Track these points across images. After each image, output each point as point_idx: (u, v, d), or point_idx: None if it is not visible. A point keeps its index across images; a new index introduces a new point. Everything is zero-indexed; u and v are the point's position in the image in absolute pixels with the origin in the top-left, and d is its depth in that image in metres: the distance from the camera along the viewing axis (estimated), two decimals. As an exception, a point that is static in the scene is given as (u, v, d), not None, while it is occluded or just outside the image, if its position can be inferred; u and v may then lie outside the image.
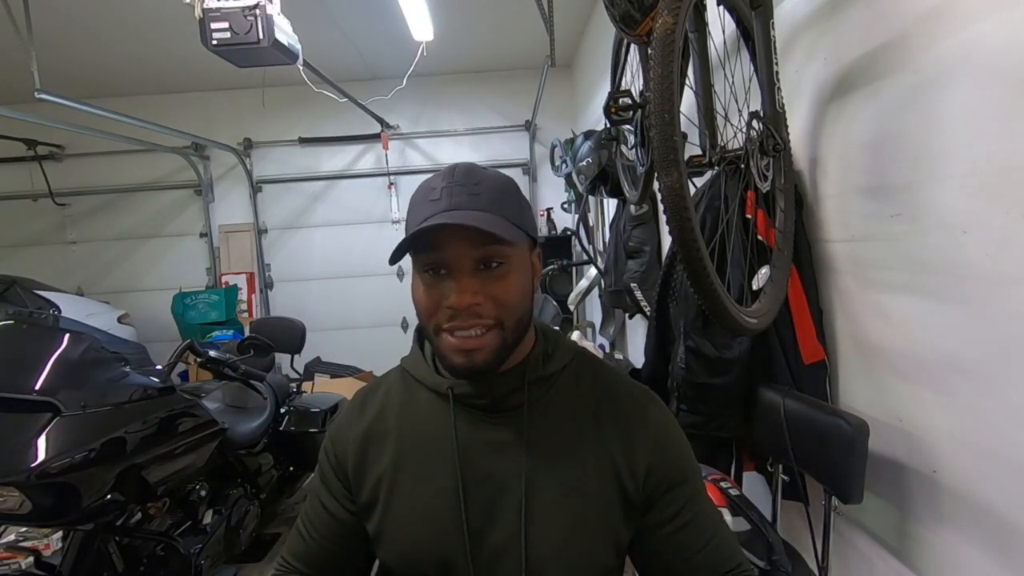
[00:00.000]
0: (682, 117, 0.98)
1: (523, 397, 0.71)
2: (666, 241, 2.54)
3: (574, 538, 0.69)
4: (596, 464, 0.71)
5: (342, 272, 5.37)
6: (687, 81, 1.21)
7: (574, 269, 4.15)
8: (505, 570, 0.68)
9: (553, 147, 4.43)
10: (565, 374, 0.75)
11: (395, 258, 0.65)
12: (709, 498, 0.78)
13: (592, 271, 3.67)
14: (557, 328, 0.85)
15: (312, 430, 2.70)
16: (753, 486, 1.54)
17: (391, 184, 5.24)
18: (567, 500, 0.70)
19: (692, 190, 1.56)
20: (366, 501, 0.73)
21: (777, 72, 1.28)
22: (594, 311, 4.55)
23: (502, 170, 0.72)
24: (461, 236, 0.63)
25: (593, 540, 0.71)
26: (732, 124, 1.30)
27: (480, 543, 0.68)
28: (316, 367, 4.90)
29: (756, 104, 1.29)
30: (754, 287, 1.32)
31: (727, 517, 1.17)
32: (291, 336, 2.93)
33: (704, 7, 1.21)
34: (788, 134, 1.33)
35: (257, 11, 1.97)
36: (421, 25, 3.39)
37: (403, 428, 0.73)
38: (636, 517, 0.73)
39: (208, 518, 2.08)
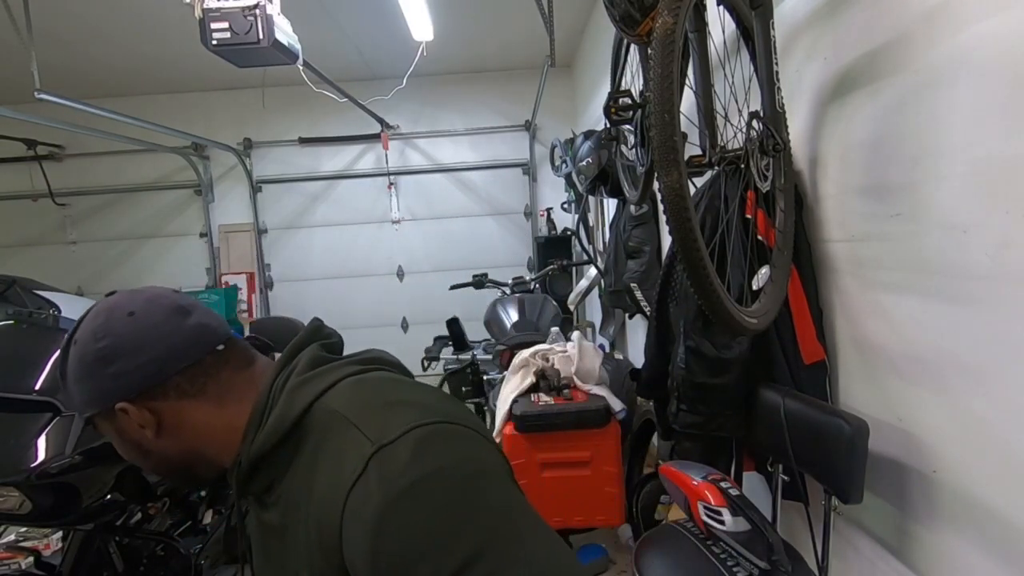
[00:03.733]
0: (682, 117, 0.98)
1: (261, 482, 0.63)
2: (666, 241, 2.54)
3: None
4: (300, 563, 0.57)
5: (342, 272, 5.37)
6: (687, 81, 1.21)
7: (574, 269, 4.15)
8: None
9: (553, 147, 4.43)
10: (306, 443, 0.60)
11: None
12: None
13: (592, 271, 3.67)
14: (322, 364, 0.70)
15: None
16: (753, 486, 1.54)
17: (391, 184, 5.24)
18: None
19: (692, 190, 1.56)
20: None
21: (777, 72, 1.28)
22: (594, 311, 4.55)
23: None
24: None
25: None
26: (732, 124, 1.30)
27: None
28: (316, 367, 4.90)
29: (756, 104, 1.29)
30: (754, 287, 1.32)
31: (727, 517, 1.17)
32: (291, 336, 2.90)
33: (704, 7, 1.21)
34: (788, 134, 1.33)
35: (257, 11, 1.97)
36: (421, 25, 3.39)
37: None
38: None
39: (208, 518, 2.09)
